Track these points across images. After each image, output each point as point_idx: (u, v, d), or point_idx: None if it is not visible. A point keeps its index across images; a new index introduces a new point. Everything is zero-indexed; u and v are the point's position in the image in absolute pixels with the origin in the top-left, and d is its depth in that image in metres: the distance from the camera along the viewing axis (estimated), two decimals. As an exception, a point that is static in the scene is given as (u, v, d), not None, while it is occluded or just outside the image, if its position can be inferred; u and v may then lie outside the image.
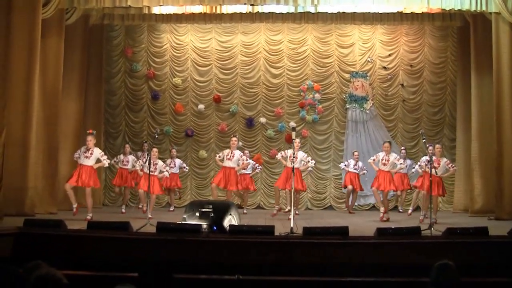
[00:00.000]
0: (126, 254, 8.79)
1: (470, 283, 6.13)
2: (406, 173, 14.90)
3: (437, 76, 17.10)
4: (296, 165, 13.05)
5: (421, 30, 17.19)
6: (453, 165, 13.24)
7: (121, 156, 14.75)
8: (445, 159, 13.06)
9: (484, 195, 14.16)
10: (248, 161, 14.40)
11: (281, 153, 14.13)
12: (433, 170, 11.97)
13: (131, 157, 14.77)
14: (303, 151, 15.14)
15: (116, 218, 11.79)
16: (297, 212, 13.50)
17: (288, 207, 13.47)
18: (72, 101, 15.03)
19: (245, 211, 14.94)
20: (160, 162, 13.53)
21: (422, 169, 13.02)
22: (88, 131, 12.78)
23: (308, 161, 14.04)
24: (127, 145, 15.23)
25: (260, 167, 15.98)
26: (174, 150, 15.79)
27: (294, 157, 11.62)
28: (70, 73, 14.65)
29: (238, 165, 13.92)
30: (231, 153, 13.77)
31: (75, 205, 12.43)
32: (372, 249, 8.85)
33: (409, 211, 14.64)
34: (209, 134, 17.31)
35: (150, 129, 17.12)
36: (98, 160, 12.51)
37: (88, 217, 11.96)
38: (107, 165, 13.03)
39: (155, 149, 13.55)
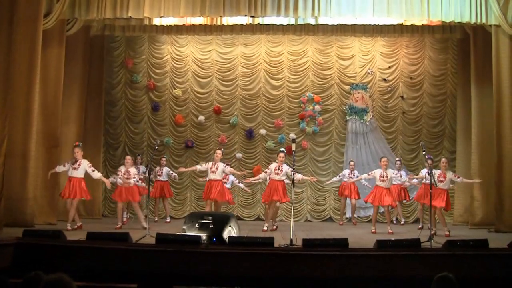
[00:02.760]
0: (125, 265, 8.79)
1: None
2: (403, 186, 14.82)
3: (437, 88, 17.10)
4: (281, 178, 13.33)
5: (421, 43, 17.20)
6: (459, 176, 13.34)
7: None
8: (451, 172, 13.11)
9: (484, 207, 14.15)
10: (231, 170, 14.58)
11: (264, 172, 14.14)
12: (440, 184, 12.38)
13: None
14: (302, 163, 15.21)
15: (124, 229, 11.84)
16: (275, 226, 13.69)
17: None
18: (73, 112, 15.07)
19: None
20: (133, 170, 13.50)
21: (418, 181, 13.37)
22: (74, 144, 12.86)
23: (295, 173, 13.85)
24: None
25: (242, 184, 15.60)
26: (163, 159, 15.69)
27: (279, 169, 12.07)
28: (70, 83, 14.68)
29: (222, 176, 14.05)
30: (215, 165, 13.84)
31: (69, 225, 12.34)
32: (372, 261, 8.84)
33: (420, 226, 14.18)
34: (209, 146, 17.29)
35: (150, 140, 17.12)
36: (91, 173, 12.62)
37: (68, 227, 12.10)
38: (97, 176, 12.90)
39: (128, 157, 13.65)
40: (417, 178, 13.93)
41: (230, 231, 9.93)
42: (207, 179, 13.99)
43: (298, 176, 13.45)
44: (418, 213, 15.19)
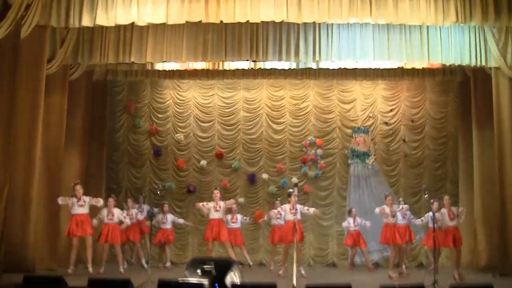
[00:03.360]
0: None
1: None
2: (408, 226, 14.74)
3: (439, 131, 17.11)
4: (297, 217, 13.28)
5: (422, 85, 17.25)
6: (462, 208, 13.57)
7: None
8: (453, 208, 13.26)
9: (488, 251, 14.01)
10: (231, 200, 14.77)
11: (273, 212, 14.47)
12: (452, 222, 12.78)
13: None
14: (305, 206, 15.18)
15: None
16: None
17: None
18: (75, 156, 15.07)
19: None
20: (117, 210, 13.74)
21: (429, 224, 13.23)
22: (74, 182, 12.97)
23: (308, 209, 14.06)
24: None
25: (246, 218, 15.69)
26: (166, 205, 15.49)
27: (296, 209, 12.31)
28: (73, 128, 14.72)
29: (224, 214, 14.33)
30: (217, 204, 14.07)
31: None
32: (376, 307, 8.74)
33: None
34: (211, 190, 17.17)
35: (152, 185, 17.09)
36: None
37: (90, 270, 12.13)
38: (102, 203, 13.34)
39: (111, 199, 13.87)
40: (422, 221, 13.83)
41: (232, 277, 9.84)
42: (209, 218, 14.13)
43: (311, 211, 13.90)
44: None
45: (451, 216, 12.87)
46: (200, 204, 14.44)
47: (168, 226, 15.21)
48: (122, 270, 13.47)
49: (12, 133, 11.49)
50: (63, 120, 13.83)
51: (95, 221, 13.40)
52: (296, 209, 13.36)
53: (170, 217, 15.28)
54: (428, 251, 14.67)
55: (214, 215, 14.04)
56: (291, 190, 14.16)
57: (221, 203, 14.15)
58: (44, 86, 12.58)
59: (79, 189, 12.91)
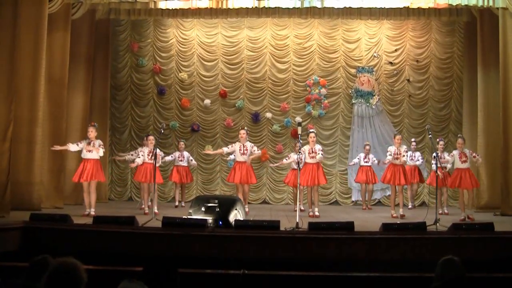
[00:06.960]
0: (131, 248, 8.82)
1: (475, 279, 6.13)
2: (416, 166, 14.83)
3: (443, 71, 17.05)
4: (317, 160, 13.16)
5: (427, 26, 17.13)
6: (477, 153, 13.29)
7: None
8: (467, 150, 12.87)
9: (490, 190, 14.16)
10: (259, 151, 14.12)
11: (296, 155, 13.90)
12: (464, 164, 12.42)
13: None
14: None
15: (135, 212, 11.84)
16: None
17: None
18: (78, 96, 15.06)
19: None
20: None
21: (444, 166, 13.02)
22: (90, 123, 12.72)
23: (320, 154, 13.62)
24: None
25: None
26: (182, 143, 15.57)
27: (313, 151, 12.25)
28: (76, 67, 14.68)
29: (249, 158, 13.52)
30: (243, 146, 13.41)
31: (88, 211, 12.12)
32: (378, 245, 8.85)
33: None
34: (215, 129, 17.28)
35: (156, 124, 17.09)
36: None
37: (92, 213, 11.82)
38: (101, 154, 12.35)
39: (151, 137, 13.47)
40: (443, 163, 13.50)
41: (236, 215, 9.95)
42: (235, 159, 13.75)
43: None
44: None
45: (463, 159, 12.60)
46: (225, 151, 13.99)
47: (184, 163, 15.20)
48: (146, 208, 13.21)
49: (15, 72, 11.45)
50: (66, 60, 13.76)
51: (129, 156, 13.36)
52: (316, 152, 13.10)
53: (186, 154, 15.32)
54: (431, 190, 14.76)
55: (239, 158, 13.42)
56: (311, 130, 14.07)
57: (248, 145, 13.49)
58: (46, 24, 12.47)
59: (91, 131, 12.15)
